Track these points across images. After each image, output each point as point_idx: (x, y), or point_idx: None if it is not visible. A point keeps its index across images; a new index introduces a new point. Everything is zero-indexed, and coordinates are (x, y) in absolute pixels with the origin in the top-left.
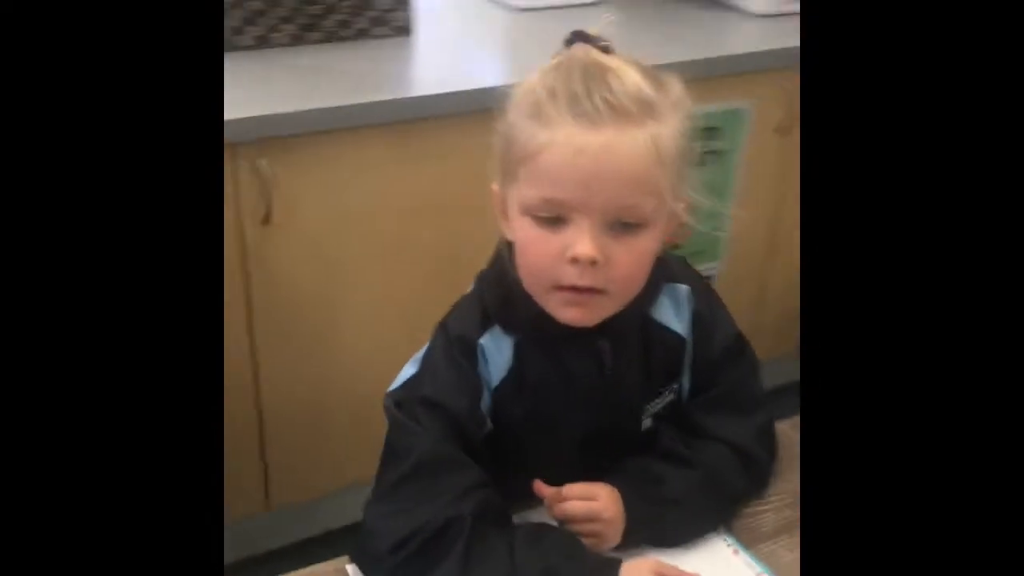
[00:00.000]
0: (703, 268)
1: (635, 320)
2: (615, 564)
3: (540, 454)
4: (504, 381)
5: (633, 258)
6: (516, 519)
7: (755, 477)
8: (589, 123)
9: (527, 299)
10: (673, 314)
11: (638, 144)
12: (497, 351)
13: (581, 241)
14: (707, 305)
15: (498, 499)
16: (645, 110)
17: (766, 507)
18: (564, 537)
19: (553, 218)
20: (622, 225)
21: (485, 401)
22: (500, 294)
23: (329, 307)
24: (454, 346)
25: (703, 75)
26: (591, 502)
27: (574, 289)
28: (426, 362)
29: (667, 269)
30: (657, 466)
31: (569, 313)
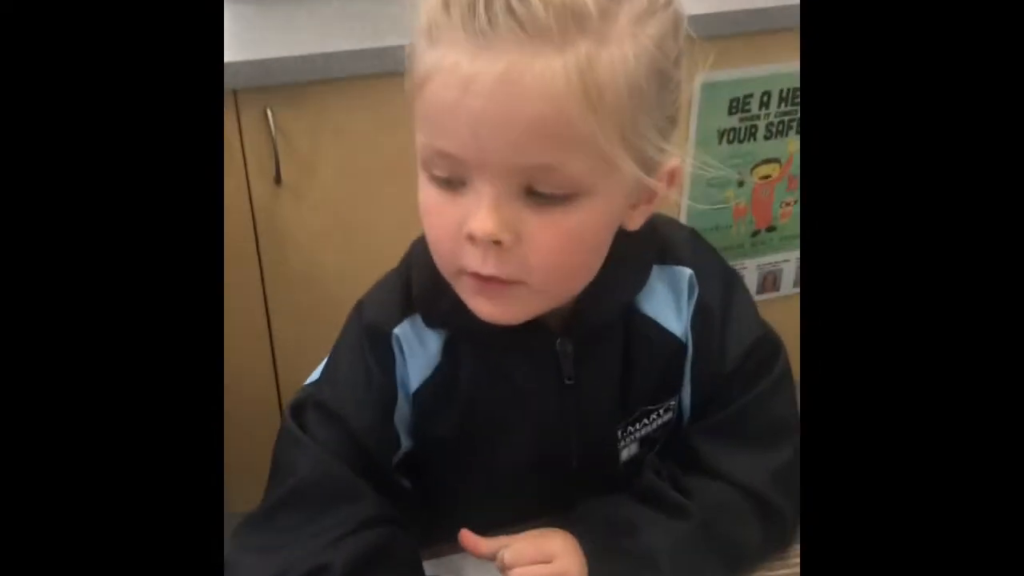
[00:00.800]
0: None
1: (613, 313)
2: None
3: (475, 487)
4: (426, 385)
5: (558, 239)
6: (442, 566)
7: (772, 530)
8: (485, 43)
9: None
10: (671, 307)
11: (554, 74)
12: (419, 345)
13: (479, 211)
14: (719, 296)
15: (402, 540)
16: (574, 24)
17: (786, 571)
18: None
19: (451, 179)
20: (540, 194)
21: (402, 412)
22: (429, 274)
23: (347, 278)
24: (364, 337)
25: (752, 30)
26: (547, 566)
27: (478, 278)
28: (331, 355)
29: (664, 245)
30: (630, 510)
31: (481, 307)
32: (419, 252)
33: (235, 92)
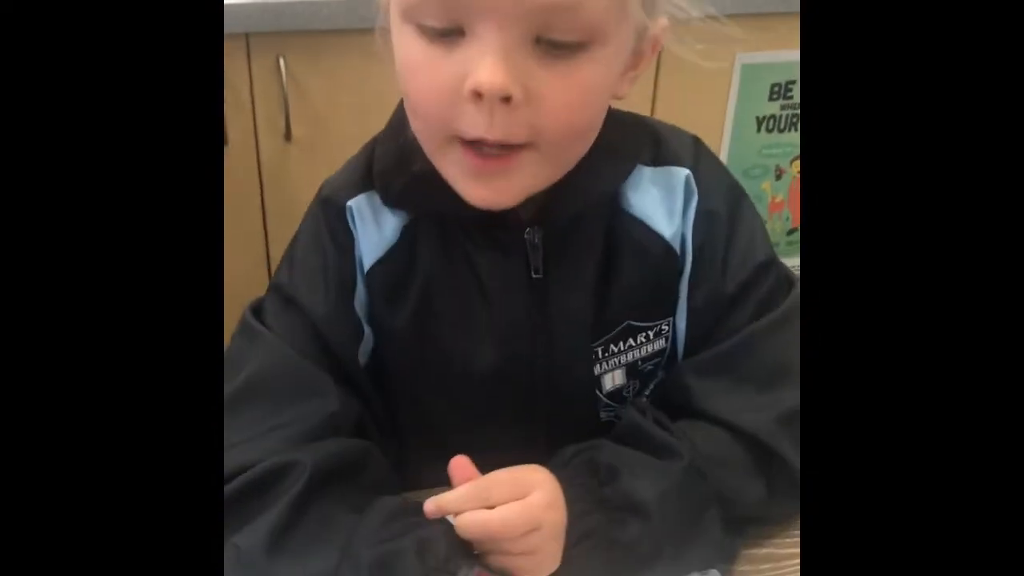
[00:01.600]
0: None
1: (590, 202)
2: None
3: (434, 393)
4: (379, 265)
5: (570, 93)
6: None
7: (778, 484)
8: None
9: (424, 170)
10: (661, 208)
11: None
12: (373, 221)
13: (484, 63)
14: (726, 204)
15: (377, 458)
16: None
17: (794, 540)
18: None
19: (445, 29)
20: (554, 43)
21: (360, 296)
22: (395, 149)
23: None
24: (319, 212)
25: (798, 8)
26: (526, 502)
27: (478, 153)
28: (292, 240)
29: (659, 144)
30: (611, 452)
31: (474, 191)
32: (389, 125)
33: (247, 37)
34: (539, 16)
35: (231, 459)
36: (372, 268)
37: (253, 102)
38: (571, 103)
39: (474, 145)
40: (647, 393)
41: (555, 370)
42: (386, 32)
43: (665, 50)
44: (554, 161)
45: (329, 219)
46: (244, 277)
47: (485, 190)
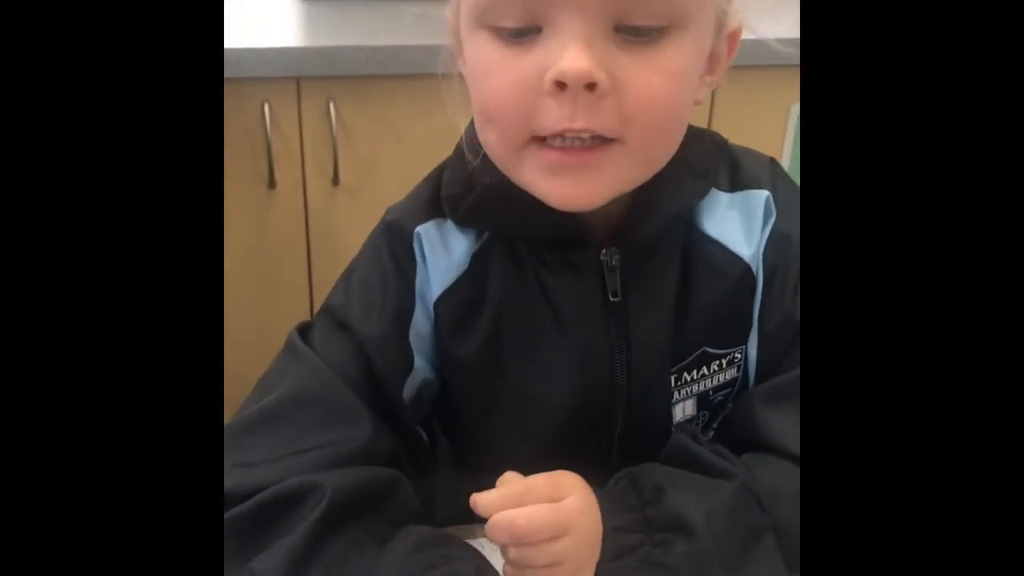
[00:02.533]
0: None
1: (666, 222)
2: None
3: (502, 427)
4: (449, 293)
5: (658, 78)
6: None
7: None
8: None
9: (493, 184)
10: (740, 230)
11: None
12: (443, 247)
13: (566, 52)
14: (797, 230)
15: (405, 490)
16: None
17: None
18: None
19: (522, 28)
20: (635, 29)
21: (419, 327)
22: (462, 169)
23: None
24: (383, 235)
25: None
26: (555, 504)
27: (561, 147)
28: (351, 264)
29: (737, 167)
30: (657, 470)
31: (554, 189)
32: (456, 151)
33: (298, 81)
34: (618, 2)
35: (252, 477)
36: (440, 296)
37: (302, 146)
38: (658, 89)
39: (550, 140)
40: (715, 426)
41: (633, 398)
42: (449, 77)
43: (718, 95)
44: (642, 158)
45: (392, 243)
46: (287, 318)
47: (569, 186)
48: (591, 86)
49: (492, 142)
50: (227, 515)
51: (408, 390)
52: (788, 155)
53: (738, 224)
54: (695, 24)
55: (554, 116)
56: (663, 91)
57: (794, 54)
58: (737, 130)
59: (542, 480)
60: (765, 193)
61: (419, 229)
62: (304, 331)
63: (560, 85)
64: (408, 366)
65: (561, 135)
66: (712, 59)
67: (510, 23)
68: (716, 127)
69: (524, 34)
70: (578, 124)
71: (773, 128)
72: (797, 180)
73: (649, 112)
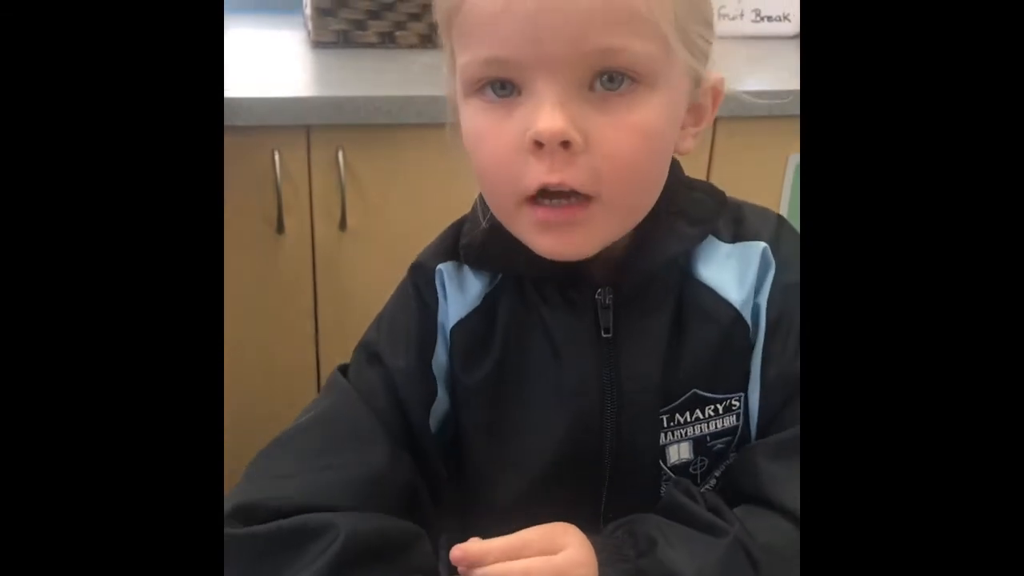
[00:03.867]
0: None
1: (660, 265)
2: None
3: (505, 452)
4: (462, 324)
5: (627, 135)
6: None
7: None
8: None
9: (499, 227)
10: (733, 277)
11: None
12: (460, 285)
13: (542, 112)
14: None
15: (419, 537)
16: None
17: None
18: None
19: (506, 89)
20: (608, 80)
21: (439, 359)
22: (477, 220)
23: None
24: (410, 276)
25: None
26: (551, 558)
27: (544, 205)
28: (385, 306)
29: (740, 221)
30: (653, 522)
31: (546, 243)
32: (474, 206)
33: (308, 129)
34: (588, 61)
35: (276, 488)
36: (455, 328)
37: (311, 193)
38: (628, 145)
39: (540, 199)
40: (716, 474)
41: (622, 431)
42: (455, 127)
43: (717, 144)
44: (620, 212)
45: (417, 281)
46: (293, 356)
47: (557, 241)
48: (565, 144)
49: (492, 203)
50: (245, 531)
51: (433, 420)
52: (786, 204)
53: (733, 273)
54: (664, 83)
55: (535, 173)
56: (632, 148)
57: (773, 105)
58: (736, 179)
59: (538, 533)
60: (762, 245)
61: (440, 267)
62: (344, 369)
63: (538, 144)
64: (432, 396)
65: (545, 193)
66: (696, 111)
67: (492, 90)
68: (715, 177)
69: (506, 97)
70: (555, 179)
71: (771, 177)
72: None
73: (619, 167)
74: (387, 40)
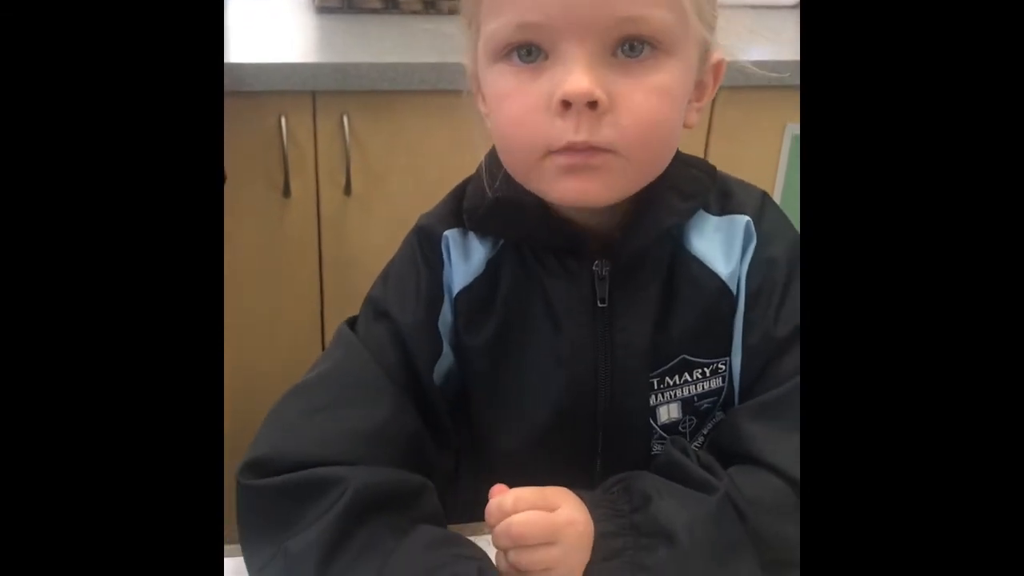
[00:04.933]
0: None
1: (654, 239)
2: None
3: (506, 407)
4: (467, 290)
5: (648, 96)
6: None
7: None
8: None
9: (503, 197)
10: (720, 250)
11: None
12: (464, 251)
13: (571, 75)
14: (787, 255)
15: (426, 488)
16: None
17: None
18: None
19: (532, 55)
20: (630, 48)
21: (445, 316)
22: (482, 185)
23: None
24: (415, 238)
25: None
26: (548, 514)
27: (570, 150)
28: (388, 264)
29: (727, 195)
30: (648, 479)
31: (568, 186)
32: (477, 171)
33: (314, 95)
34: (613, 29)
35: (286, 441)
36: (459, 294)
37: (316, 157)
38: (648, 106)
39: (565, 151)
40: (704, 432)
41: (615, 393)
42: (471, 94)
43: (716, 115)
44: (638, 167)
45: (423, 244)
46: (298, 317)
47: (576, 185)
48: (592, 104)
49: (512, 160)
50: (256, 483)
51: (437, 375)
52: (783, 173)
53: (720, 245)
54: (681, 51)
55: (562, 130)
56: (654, 108)
57: (773, 76)
58: (733, 148)
59: (530, 491)
60: (746, 218)
61: (447, 233)
62: (352, 323)
63: (566, 104)
64: (438, 351)
65: (568, 148)
66: (699, 87)
67: (522, 54)
68: (713, 146)
69: (535, 61)
70: (581, 137)
71: (768, 147)
72: (795, 195)
73: (642, 125)
74: (390, 5)
